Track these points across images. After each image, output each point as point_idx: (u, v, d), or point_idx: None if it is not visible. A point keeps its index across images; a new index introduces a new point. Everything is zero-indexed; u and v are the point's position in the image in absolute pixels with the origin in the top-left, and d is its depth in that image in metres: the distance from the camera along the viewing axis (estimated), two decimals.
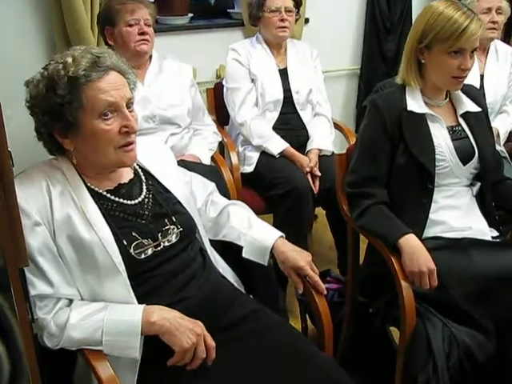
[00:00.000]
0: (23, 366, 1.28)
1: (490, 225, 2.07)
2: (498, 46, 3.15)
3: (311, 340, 1.93)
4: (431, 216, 1.97)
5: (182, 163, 2.16)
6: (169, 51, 2.84)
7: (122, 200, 1.57)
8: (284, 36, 2.90)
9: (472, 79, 2.75)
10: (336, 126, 3.15)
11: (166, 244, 1.58)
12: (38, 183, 1.50)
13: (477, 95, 2.13)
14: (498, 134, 2.98)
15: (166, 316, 1.45)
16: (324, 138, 2.94)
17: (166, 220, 1.61)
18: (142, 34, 2.48)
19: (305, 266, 1.70)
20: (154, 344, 1.45)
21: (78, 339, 1.45)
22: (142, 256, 1.53)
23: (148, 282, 1.53)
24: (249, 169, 2.84)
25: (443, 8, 1.90)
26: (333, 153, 2.88)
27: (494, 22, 2.95)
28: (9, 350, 1.25)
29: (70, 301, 1.49)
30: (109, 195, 1.56)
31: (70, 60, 1.47)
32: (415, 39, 1.96)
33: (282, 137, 2.84)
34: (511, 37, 4.19)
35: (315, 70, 3.05)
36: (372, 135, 2.00)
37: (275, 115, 2.90)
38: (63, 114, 1.46)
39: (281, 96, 2.88)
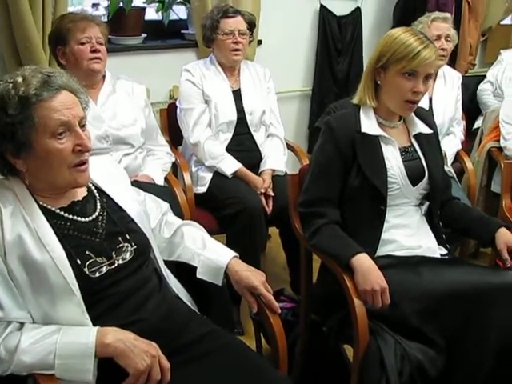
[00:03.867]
0: None
1: (439, 243, 2.12)
2: (445, 70, 3.27)
3: (266, 359, 1.93)
4: (383, 235, 2.01)
5: (136, 183, 2.15)
6: (122, 71, 2.83)
7: (75, 217, 1.56)
8: (237, 59, 2.92)
9: (422, 102, 2.81)
10: (289, 146, 3.18)
11: (121, 262, 1.57)
12: None
13: (428, 117, 2.19)
14: (446, 155, 3.07)
15: (120, 337, 1.43)
16: (277, 158, 2.96)
17: (121, 238, 1.60)
18: (94, 51, 2.46)
19: (259, 285, 1.70)
20: (108, 366, 1.43)
21: (30, 364, 1.41)
22: (97, 274, 1.51)
23: (103, 302, 1.51)
24: (202, 189, 2.84)
25: (401, 33, 1.98)
26: (286, 173, 2.91)
27: (443, 49, 3.06)
28: None
29: (21, 324, 1.45)
30: (62, 213, 1.54)
31: (20, 80, 1.45)
32: (373, 60, 2.02)
33: (235, 158, 2.85)
34: (456, 62, 4.34)
35: (268, 91, 3.09)
36: (326, 156, 2.03)
37: (229, 136, 2.91)
38: (15, 134, 1.43)
39: (234, 117, 2.90)
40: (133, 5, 3.36)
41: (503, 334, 1.78)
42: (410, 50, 1.93)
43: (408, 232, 2.05)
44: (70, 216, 1.55)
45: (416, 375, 1.77)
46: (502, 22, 4.89)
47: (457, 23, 4.18)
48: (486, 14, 4.57)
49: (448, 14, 3.17)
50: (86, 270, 1.49)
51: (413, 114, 2.11)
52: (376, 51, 2.02)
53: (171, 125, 3.07)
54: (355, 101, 2.09)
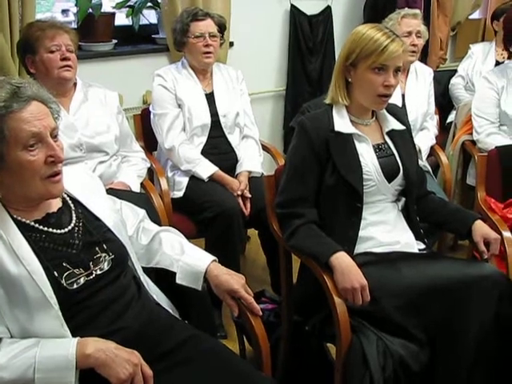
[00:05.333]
0: None
1: (417, 238, 2.13)
2: (417, 66, 3.30)
3: (250, 361, 1.94)
4: (360, 233, 2.02)
5: (112, 191, 2.13)
6: (94, 78, 2.81)
7: (51, 229, 1.54)
8: (209, 62, 2.92)
9: (394, 98, 2.85)
10: (264, 147, 3.18)
11: (99, 272, 1.56)
12: None
13: (400, 114, 2.21)
14: (420, 150, 3.10)
15: (101, 347, 1.42)
16: (253, 160, 2.97)
17: (97, 248, 1.59)
18: (64, 59, 2.43)
19: (239, 288, 1.70)
20: (90, 377, 1.41)
21: (9, 380, 1.38)
22: (75, 286, 1.49)
23: (82, 313, 1.50)
24: (179, 194, 2.83)
25: (367, 29, 1.99)
26: (262, 174, 2.91)
27: (413, 45, 3.10)
28: None
29: None
30: (37, 225, 1.52)
31: None
32: (342, 58, 2.03)
33: (210, 161, 2.85)
34: (428, 57, 4.39)
35: (241, 93, 3.09)
36: (300, 156, 2.03)
37: (203, 140, 2.91)
38: None
39: (208, 120, 2.90)
40: (102, 10, 3.33)
41: (482, 325, 1.80)
42: (377, 45, 1.94)
43: (385, 228, 2.06)
44: (46, 228, 1.53)
45: (399, 370, 1.78)
46: (471, 17, 4.97)
47: (426, 19, 4.23)
48: (454, 9, 4.64)
49: (418, 11, 3.20)
50: (63, 282, 1.48)
51: (385, 111, 2.12)
52: (344, 49, 2.04)
53: (145, 130, 3.05)
54: (327, 100, 2.10)
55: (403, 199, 2.13)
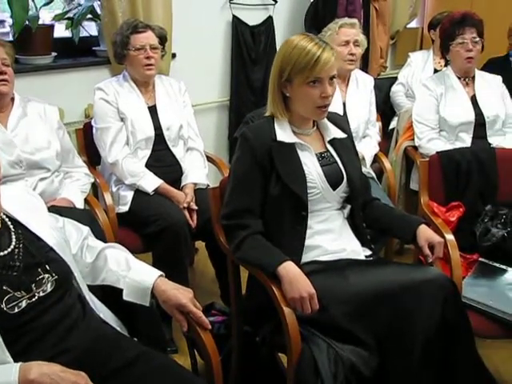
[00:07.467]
0: None
1: (363, 244, 2.16)
2: (358, 75, 3.35)
3: (202, 375, 1.92)
4: (307, 242, 2.03)
5: (54, 209, 2.08)
6: (33, 92, 2.75)
7: None
8: (151, 74, 2.89)
9: (336, 107, 2.90)
10: (209, 158, 3.18)
11: (41, 294, 1.51)
12: None
13: (341, 122, 2.23)
14: (364, 158, 3.14)
15: (45, 371, 1.37)
16: (198, 172, 2.95)
17: (40, 269, 1.54)
18: (0, 73, 2.38)
19: (187, 303, 1.68)
20: None
21: None
22: (16, 310, 1.45)
23: (25, 337, 1.45)
24: (124, 208, 2.79)
25: (297, 41, 1.99)
26: (208, 186, 2.90)
27: (352, 54, 3.14)
28: None
29: None
30: None
31: None
32: (276, 74, 2.03)
33: (155, 174, 2.82)
34: (369, 66, 4.48)
35: (184, 105, 3.07)
36: (244, 167, 2.03)
37: (147, 153, 2.88)
38: None
39: (152, 133, 2.87)
40: (40, 22, 3.26)
41: (428, 328, 1.83)
42: (309, 58, 1.94)
43: (332, 237, 2.07)
44: None
45: (350, 377, 1.79)
46: (409, 26, 5.11)
47: (366, 28, 4.32)
48: (393, 19, 4.77)
49: (355, 20, 3.25)
50: (3, 306, 1.43)
51: (326, 120, 2.14)
52: (276, 65, 2.03)
53: (88, 144, 3.00)
54: (267, 113, 2.11)
55: (348, 206, 2.15)
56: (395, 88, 4.22)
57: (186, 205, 2.74)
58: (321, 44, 1.97)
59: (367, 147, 3.25)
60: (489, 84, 3.33)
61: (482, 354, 1.97)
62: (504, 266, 2.40)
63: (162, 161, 2.91)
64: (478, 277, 2.36)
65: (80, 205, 2.57)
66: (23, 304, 1.47)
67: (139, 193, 2.79)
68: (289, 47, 2.00)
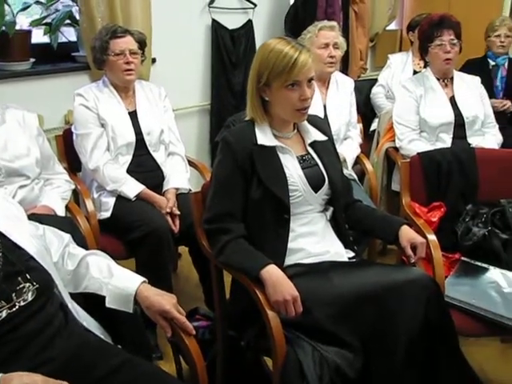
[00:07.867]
0: None
1: (346, 246, 2.16)
2: (337, 77, 3.36)
3: (187, 380, 1.91)
4: (290, 245, 2.03)
5: (34, 217, 2.06)
6: (11, 99, 2.73)
7: None
8: (130, 79, 2.88)
9: (316, 110, 2.90)
10: (191, 163, 3.16)
11: (22, 304, 1.49)
12: None
13: (322, 125, 2.23)
14: (345, 160, 3.15)
15: (26, 382, 1.35)
16: (179, 176, 2.94)
17: (20, 278, 1.52)
18: None
19: (170, 308, 1.67)
20: None
21: None
22: None
23: (5, 347, 1.43)
24: (106, 214, 2.77)
25: (274, 45, 1.99)
26: (190, 190, 2.89)
27: (331, 57, 3.15)
28: None
29: None
30: None
31: None
32: (254, 79, 2.03)
33: (137, 179, 2.81)
34: (349, 68, 4.50)
35: (165, 110, 3.06)
36: (225, 171, 2.03)
37: (128, 158, 2.86)
38: None
39: (132, 139, 2.85)
40: (18, 28, 3.23)
41: (411, 328, 1.83)
42: (286, 62, 1.94)
43: (314, 239, 2.08)
44: None
45: (336, 379, 1.79)
46: (388, 28, 5.15)
47: (346, 30, 4.35)
48: (372, 21, 4.81)
49: (334, 23, 3.26)
50: None
51: (306, 123, 2.14)
52: (254, 70, 2.03)
53: (68, 151, 2.97)
54: (247, 117, 2.11)
55: (331, 209, 2.16)
56: (375, 90, 4.25)
57: (168, 210, 2.73)
58: (297, 47, 1.97)
59: (348, 149, 3.26)
60: (467, 85, 3.37)
61: (465, 353, 1.98)
62: (485, 265, 2.42)
63: (144, 166, 2.89)
64: (460, 276, 2.37)
65: (61, 212, 2.54)
66: (3, 314, 1.45)
67: (121, 199, 2.77)
68: (265, 51, 1.99)
